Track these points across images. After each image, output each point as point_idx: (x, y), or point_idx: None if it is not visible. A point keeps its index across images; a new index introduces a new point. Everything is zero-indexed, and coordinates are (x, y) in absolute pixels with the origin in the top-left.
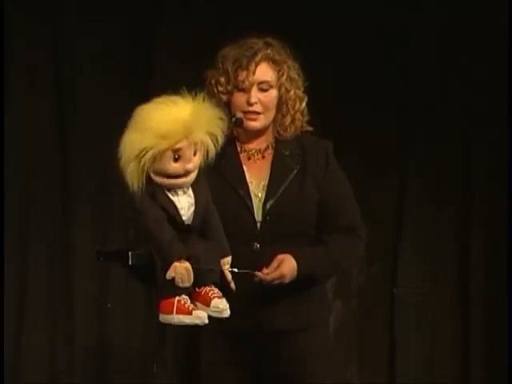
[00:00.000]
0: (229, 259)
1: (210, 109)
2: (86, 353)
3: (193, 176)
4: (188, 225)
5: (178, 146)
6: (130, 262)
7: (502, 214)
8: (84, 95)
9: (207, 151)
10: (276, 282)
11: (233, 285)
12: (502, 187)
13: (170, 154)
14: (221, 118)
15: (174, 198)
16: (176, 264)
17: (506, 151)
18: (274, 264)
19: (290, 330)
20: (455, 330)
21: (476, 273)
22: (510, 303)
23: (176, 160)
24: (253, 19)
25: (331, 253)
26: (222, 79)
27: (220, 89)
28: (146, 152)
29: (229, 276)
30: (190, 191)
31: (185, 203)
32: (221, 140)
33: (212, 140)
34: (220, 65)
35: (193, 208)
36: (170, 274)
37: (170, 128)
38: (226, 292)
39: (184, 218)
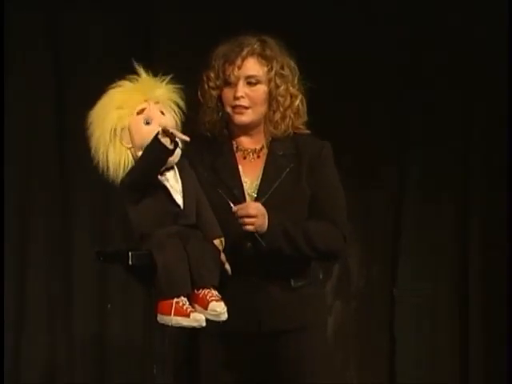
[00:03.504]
0: (221, 240)
1: (160, 79)
2: (85, 353)
3: (176, 150)
4: (183, 209)
5: (140, 106)
6: (130, 263)
7: (501, 214)
8: (84, 95)
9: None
10: (248, 220)
11: (227, 266)
12: (501, 187)
13: (139, 119)
14: (175, 86)
15: (163, 179)
16: None
17: (506, 151)
18: (247, 204)
19: (288, 330)
20: (455, 331)
21: (476, 273)
22: (510, 303)
23: (148, 123)
24: (253, 18)
25: (305, 226)
26: (212, 74)
27: (210, 84)
28: (115, 128)
29: (223, 257)
30: (178, 175)
31: (175, 186)
32: (182, 106)
33: (173, 105)
34: (212, 61)
35: (181, 190)
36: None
37: (126, 96)
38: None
39: (178, 201)
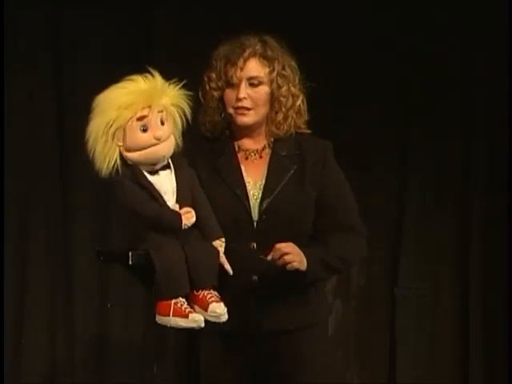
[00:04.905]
0: (221, 240)
1: (171, 84)
2: (85, 353)
3: (168, 145)
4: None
5: (141, 113)
6: (130, 262)
7: (501, 214)
8: (84, 95)
9: (178, 125)
10: (288, 258)
11: (227, 266)
12: (501, 187)
13: (136, 125)
14: (185, 92)
15: (155, 180)
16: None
17: (506, 151)
18: (277, 246)
19: (289, 329)
20: (455, 330)
21: (476, 273)
22: (510, 303)
23: (144, 131)
24: (253, 18)
25: (334, 248)
26: (213, 75)
27: (212, 85)
28: (111, 125)
29: (223, 258)
30: (173, 175)
31: (168, 187)
32: (188, 112)
33: (178, 111)
34: (213, 62)
35: (174, 191)
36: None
37: (131, 98)
38: (221, 275)
39: (169, 203)
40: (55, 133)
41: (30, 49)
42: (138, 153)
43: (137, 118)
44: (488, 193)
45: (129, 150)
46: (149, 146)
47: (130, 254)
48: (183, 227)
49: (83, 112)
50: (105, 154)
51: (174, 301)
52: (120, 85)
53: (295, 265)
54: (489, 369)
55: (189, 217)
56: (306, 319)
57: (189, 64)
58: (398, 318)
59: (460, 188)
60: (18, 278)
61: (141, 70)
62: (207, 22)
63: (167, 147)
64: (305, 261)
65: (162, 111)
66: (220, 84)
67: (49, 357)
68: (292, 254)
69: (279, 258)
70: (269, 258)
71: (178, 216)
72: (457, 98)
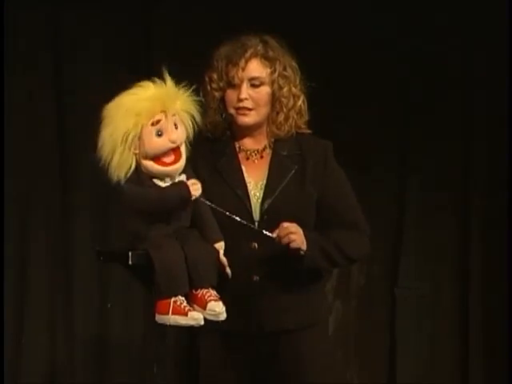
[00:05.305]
0: (222, 244)
1: (182, 89)
2: (85, 353)
3: (182, 163)
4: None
5: (156, 118)
6: (130, 262)
7: (501, 214)
8: (84, 95)
9: (189, 131)
10: (293, 236)
11: (228, 270)
12: (501, 187)
13: (151, 129)
14: (194, 98)
15: (159, 182)
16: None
17: (506, 151)
18: (284, 224)
19: (289, 329)
20: (455, 330)
21: (476, 273)
22: (510, 303)
23: (159, 135)
24: (253, 18)
25: (336, 239)
26: (215, 76)
27: (213, 86)
28: (129, 134)
29: (224, 261)
30: (181, 177)
31: None
32: (198, 118)
33: (188, 117)
34: (214, 62)
35: None
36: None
37: (146, 104)
38: (221, 278)
39: None
40: (55, 133)
41: (30, 49)
42: (157, 167)
43: (151, 122)
44: (488, 193)
45: (146, 157)
46: (165, 150)
47: (130, 253)
48: (192, 198)
49: (83, 112)
50: (121, 162)
51: (173, 299)
52: (131, 91)
53: (298, 243)
54: (489, 369)
55: (195, 188)
56: (306, 319)
57: (189, 64)
58: (398, 318)
59: (460, 188)
60: (17, 277)
61: (141, 70)
62: (207, 21)
63: (181, 165)
64: (305, 242)
65: (174, 115)
66: (221, 84)
67: (49, 357)
68: (296, 234)
69: (284, 236)
70: (274, 234)
71: (185, 186)
72: (457, 98)
